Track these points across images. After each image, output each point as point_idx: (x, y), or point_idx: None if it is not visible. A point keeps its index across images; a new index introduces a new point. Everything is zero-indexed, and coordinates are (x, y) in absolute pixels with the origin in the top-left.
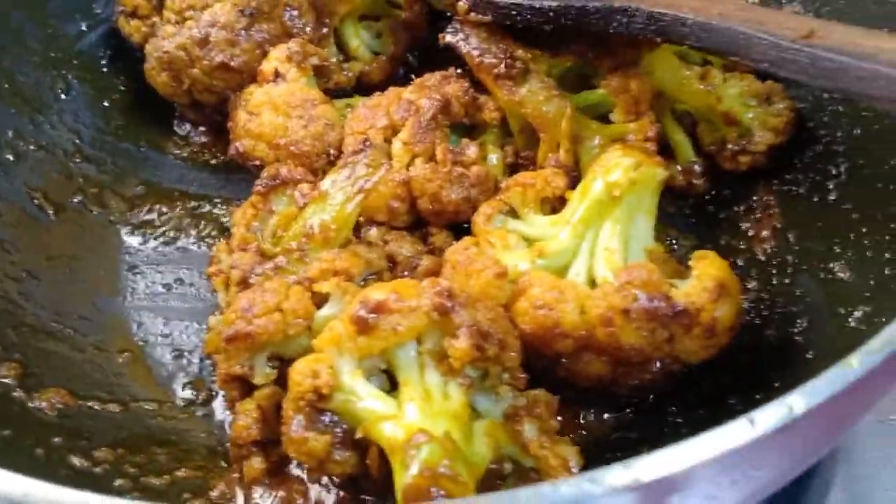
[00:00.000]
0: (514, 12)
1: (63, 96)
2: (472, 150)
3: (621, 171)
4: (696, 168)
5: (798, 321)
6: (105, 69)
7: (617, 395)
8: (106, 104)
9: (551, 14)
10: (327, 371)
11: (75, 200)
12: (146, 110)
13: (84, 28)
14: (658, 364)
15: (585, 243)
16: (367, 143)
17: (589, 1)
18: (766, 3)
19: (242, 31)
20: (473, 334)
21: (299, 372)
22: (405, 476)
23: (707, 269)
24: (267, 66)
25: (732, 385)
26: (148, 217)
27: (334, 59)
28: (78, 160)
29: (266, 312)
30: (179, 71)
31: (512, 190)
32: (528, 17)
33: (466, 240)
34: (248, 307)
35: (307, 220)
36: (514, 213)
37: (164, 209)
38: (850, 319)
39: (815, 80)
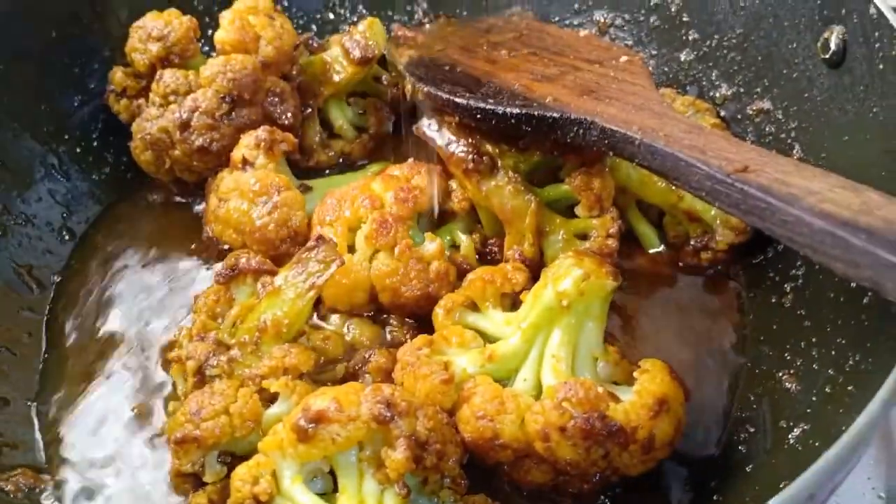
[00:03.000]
0: (478, 115)
1: (54, 171)
2: (432, 247)
3: (571, 281)
4: (662, 257)
5: (746, 428)
6: (96, 143)
7: (559, 501)
8: (95, 178)
9: (513, 120)
10: (267, 478)
11: (57, 279)
12: (135, 183)
13: (77, 103)
14: (598, 475)
15: (535, 348)
16: (320, 240)
17: (548, 111)
18: (739, 98)
19: (223, 117)
20: (411, 445)
21: (240, 478)
22: None
23: (648, 384)
24: (236, 153)
25: (675, 487)
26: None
27: (318, 138)
28: (66, 236)
29: (214, 416)
30: (162, 151)
31: (473, 284)
32: (492, 121)
33: (420, 339)
34: (197, 410)
35: (261, 314)
36: (475, 307)
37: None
38: (790, 436)
39: (747, 216)
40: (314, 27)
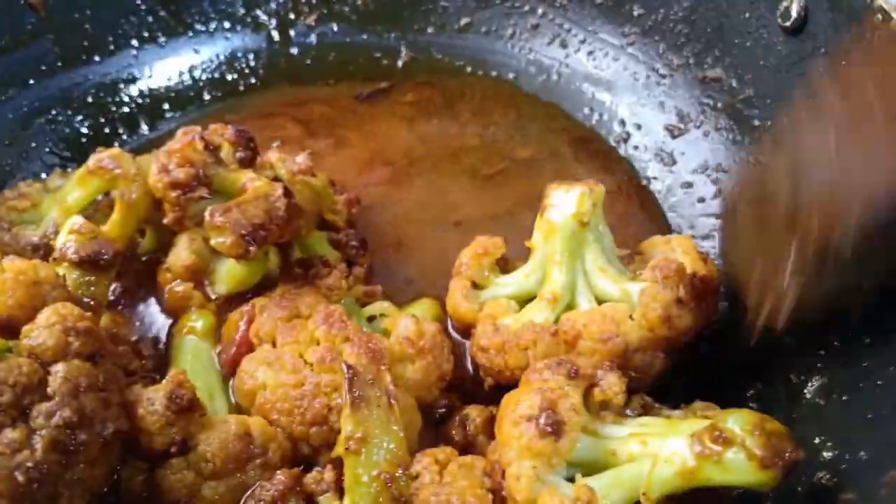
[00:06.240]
0: None
1: None
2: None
3: (580, 199)
4: None
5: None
6: None
7: None
8: None
9: None
10: None
11: None
12: None
13: None
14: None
15: (578, 274)
16: None
17: None
18: (688, 67)
19: None
20: None
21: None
22: None
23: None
24: None
25: None
26: None
27: None
28: None
29: None
30: None
31: (469, 266)
32: None
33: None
34: None
35: None
36: (477, 286)
37: None
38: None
39: None
40: None
